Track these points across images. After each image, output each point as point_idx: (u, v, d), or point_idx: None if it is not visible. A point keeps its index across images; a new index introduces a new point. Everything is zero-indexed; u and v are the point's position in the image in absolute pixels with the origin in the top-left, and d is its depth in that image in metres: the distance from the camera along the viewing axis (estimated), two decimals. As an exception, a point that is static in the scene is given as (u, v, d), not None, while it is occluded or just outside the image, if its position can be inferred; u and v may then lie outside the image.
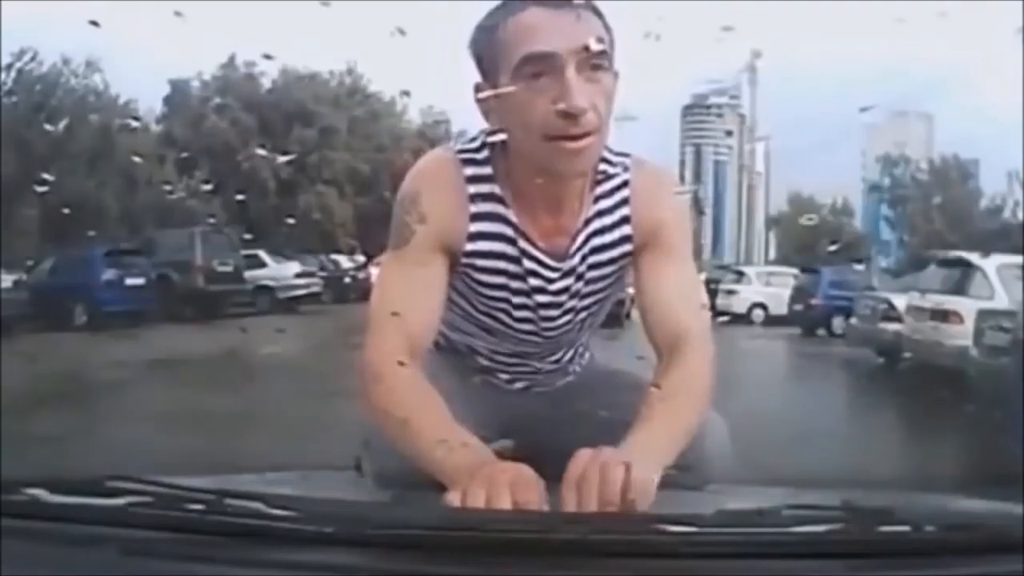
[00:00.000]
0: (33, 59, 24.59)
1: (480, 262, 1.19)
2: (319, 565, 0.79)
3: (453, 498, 0.91)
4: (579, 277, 1.22)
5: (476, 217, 1.17)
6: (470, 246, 1.17)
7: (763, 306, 20.25)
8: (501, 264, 1.19)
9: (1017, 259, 8.50)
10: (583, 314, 1.28)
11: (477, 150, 1.19)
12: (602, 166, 1.19)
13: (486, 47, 1.11)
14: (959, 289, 8.51)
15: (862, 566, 0.78)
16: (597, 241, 1.21)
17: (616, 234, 1.21)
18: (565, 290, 1.23)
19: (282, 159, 31.37)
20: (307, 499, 0.91)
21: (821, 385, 9.09)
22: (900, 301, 9.82)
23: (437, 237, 1.15)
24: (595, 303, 1.27)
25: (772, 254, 61.73)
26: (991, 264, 8.55)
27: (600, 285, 1.25)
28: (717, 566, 0.78)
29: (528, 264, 1.20)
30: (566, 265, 1.21)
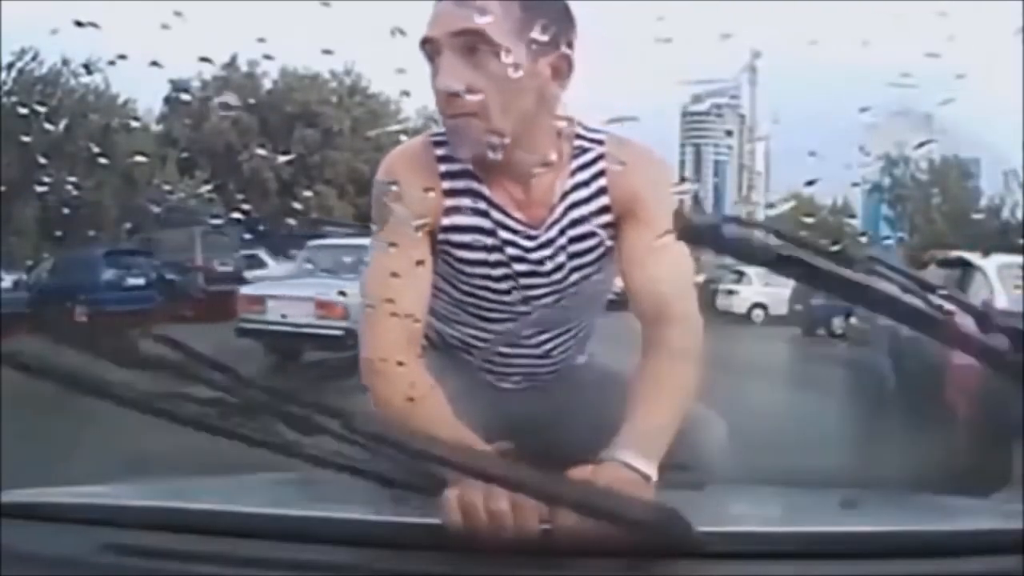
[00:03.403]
0: (33, 59, 24.60)
1: (456, 237, 1.21)
2: (319, 565, 0.79)
3: (451, 496, 0.90)
4: (560, 249, 1.23)
5: (449, 193, 1.20)
6: (445, 221, 1.20)
7: (763, 306, 20.22)
8: (477, 237, 1.21)
9: (1017, 259, 8.48)
10: (571, 289, 1.27)
11: None
12: (577, 141, 1.22)
13: None
14: (959, 289, 8.51)
15: (862, 566, 0.78)
16: (576, 213, 1.22)
17: (594, 205, 1.22)
18: (544, 260, 1.23)
19: (282, 159, 31.38)
20: (307, 499, 0.91)
21: (821, 385, 9.08)
22: (900, 301, 9.78)
23: (414, 214, 1.17)
24: (583, 277, 1.27)
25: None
26: (991, 264, 8.53)
27: (586, 259, 1.25)
28: (716, 566, 0.78)
29: (503, 234, 1.21)
30: (543, 235, 1.22)
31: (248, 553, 0.79)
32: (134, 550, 0.80)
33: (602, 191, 1.22)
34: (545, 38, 1.12)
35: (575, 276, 1.26)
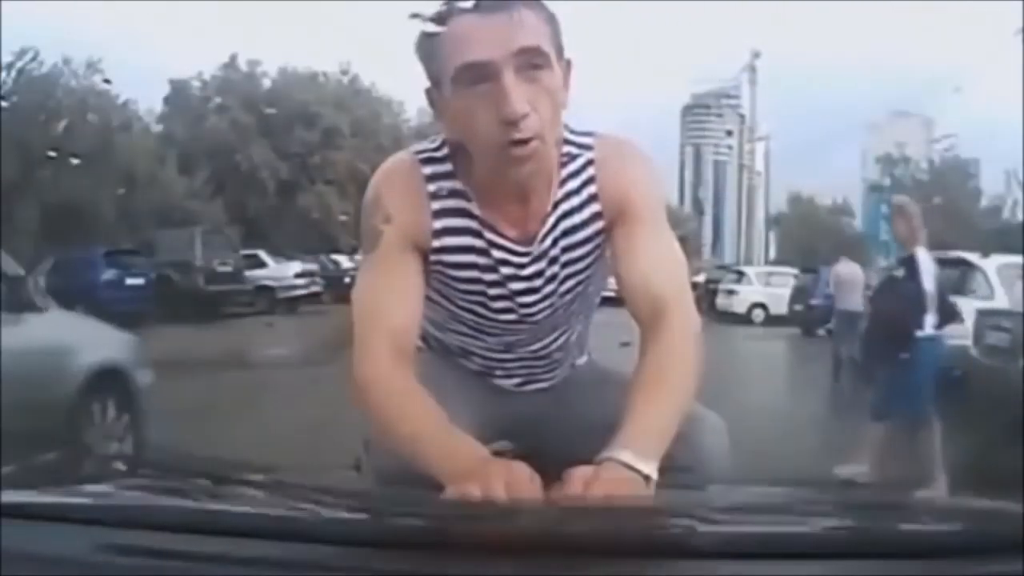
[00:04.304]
0: (33, 59, 24.59)
1: (449, 257, 1.20)
2: (319, 565, 0.79)
3: (450, 496, 0.90)
4: (553, 260, 1.22)
5: (439, 213, 1.18)
6: (436, 242, 1.18)
7: (763, 306, 20.22)
8: (471, 258, 1.20)
9: (1017, 259, 8.48)
10: (567, 297, 1.27)
11: (436, 148, 1.20)
12: (566, 148, 1.20)
13: (427, 54, 1.11)
14: (959, 289, 8.50)
15: (862, 566, 0.78)
16: (568, 223, 1.20)
17: (586, 213, 1.20)
18: (539, 274, 1.22)
19: (282, 160, 31.41)
20: (307, 499, 0.91)
21: (820, 385, 9.09)
22: (900, 301, 9.78)
23: (404, 236, 1.16)
24: (578, 284, 1.26)
25: (772, 254, 61.69)
26: (991, 264, 8.53)
27: (579, 266, 1.24)
28: (716, 566, 0.78)
29: (497, 254, 1.20)
30: (536, 250, 1.20)
31: (248, 553, 0.79)
32: (134, 550, 0.79)
33: (593, 198, 1.20)
34: (562, 43, 1.11)
35: (570, 283, 1.25)
